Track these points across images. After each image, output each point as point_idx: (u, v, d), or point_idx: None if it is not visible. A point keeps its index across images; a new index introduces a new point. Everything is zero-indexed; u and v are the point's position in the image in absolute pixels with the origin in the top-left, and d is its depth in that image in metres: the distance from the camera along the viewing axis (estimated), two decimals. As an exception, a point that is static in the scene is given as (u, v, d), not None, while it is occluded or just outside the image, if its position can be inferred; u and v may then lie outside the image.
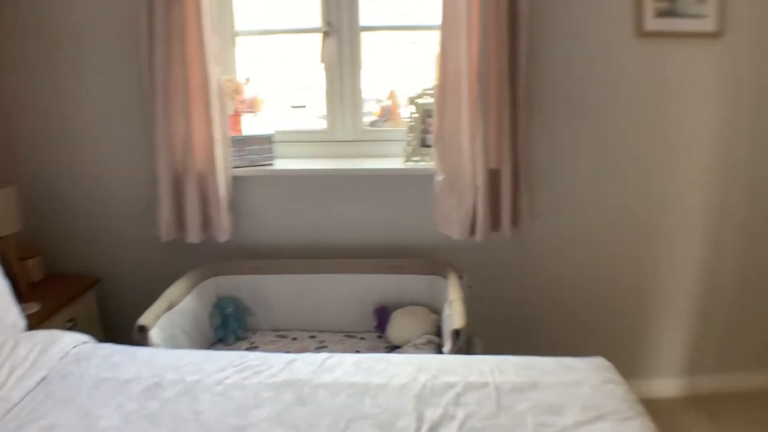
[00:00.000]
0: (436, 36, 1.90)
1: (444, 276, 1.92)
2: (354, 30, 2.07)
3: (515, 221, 1.98)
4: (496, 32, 1.83)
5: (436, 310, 1.93)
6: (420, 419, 1.14)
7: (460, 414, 1.16)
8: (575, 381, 1.27)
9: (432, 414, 1.15)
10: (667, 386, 2.28)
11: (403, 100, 2.24)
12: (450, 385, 1.25)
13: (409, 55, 2.39)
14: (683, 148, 2.09)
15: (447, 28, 1.86)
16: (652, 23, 1.98)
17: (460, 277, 1.84)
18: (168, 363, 1.39)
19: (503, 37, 1.83)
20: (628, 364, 1.58)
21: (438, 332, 1.86)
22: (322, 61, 2.06)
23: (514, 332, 2.09)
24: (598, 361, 1.38)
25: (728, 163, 2.10)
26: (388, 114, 2.31)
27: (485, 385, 1.25)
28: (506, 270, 2.13)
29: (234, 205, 2.01)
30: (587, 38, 1.98)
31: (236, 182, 2.02)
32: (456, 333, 1.50)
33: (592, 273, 2.16)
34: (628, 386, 1.28)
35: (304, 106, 2.43)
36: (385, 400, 1.21)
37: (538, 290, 2.16)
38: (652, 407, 1.26)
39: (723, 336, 2.25)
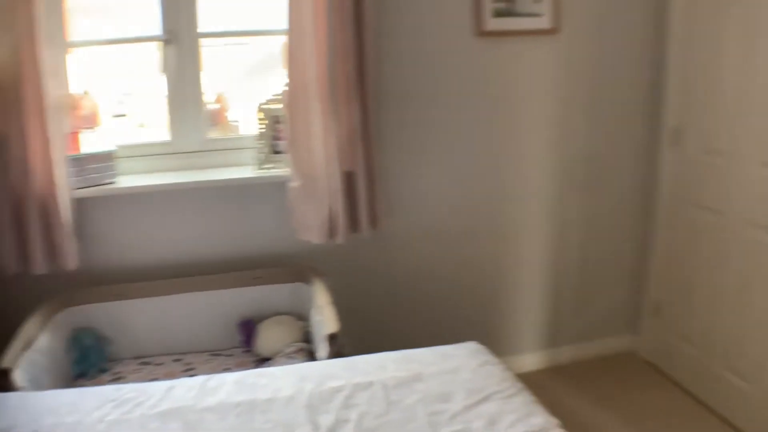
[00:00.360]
0: (281, 41, 2.48)
1: (307, 282, 2.41)
2: (193, 37, 2.48)
3: (373, 221, 2.61)
4: (342, 37, 2.37)
5: (302, 317, 2.40)
6: (315, 428, 1.54)
7: (353, 416, 1.59)
8: (455, 368, 1.80)
9: (326, 421, 1.56)
10: (532, 360, 3.14)
11: (234, 104, 2.79)
12: (337, 390, 1.69)
13: (250, 61, 2.96)
14: (525, 141, 2.86)
15: (294, 34, 2.33)
16: (491, 23, 2.68)
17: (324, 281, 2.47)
18: (42, 406, 1.63)
19: (350, 42, 2.38)
20: (496, 344, 2.20)
21: (307, 339, 2.35)
22: (163, 70, 2.56)
23: (386, 328, 2.66)
24: (472, 346, 1.92)
25: (567, 152, 2.90)
26: (215, 118, 2.84)
27: (371, 384, 1.71)
28: (370, 269, 2.76)
29: (80, 229, 2.28)
30: (430, 39, 2.58)
31: (80, 204, 2.29)
32: (332, 337, 2.00)
33: (451, 264, 2.90)
34: (504, 365, 1.83)
35: (124, 115, 2.87)
36: (276, 415, 1.59)
37: (403, 285, 2.81)
38: (524, 381, 1.79)
39: (573, 310, 3.18)
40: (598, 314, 3.19)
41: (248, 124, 2.62)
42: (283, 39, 2.32)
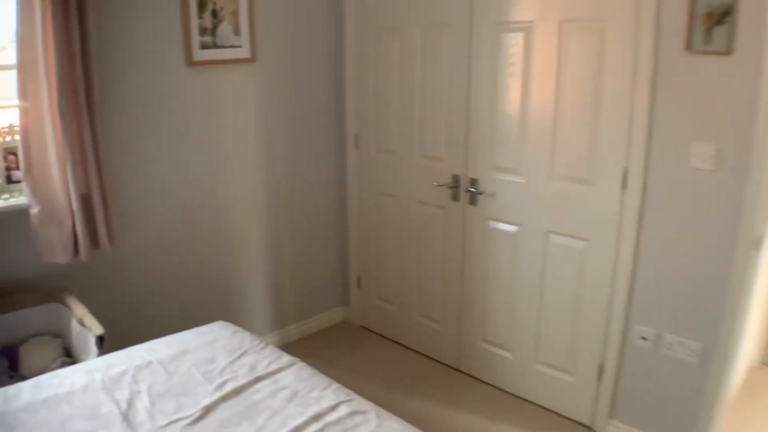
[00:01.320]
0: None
1: (59, 301, 2.75)
2: None
3: (111, 236, 3.06)
4: (70, 71, 2.82)
5: (59, 335, 2.74)
6: (116, 403, 2.00)
7: (143, 387, 2.08)
8: (213, 339, 2.40)
9: (122, 396, 2.03)
10: (268, 341, 3.90)
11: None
12: (122, 373, 2.16)
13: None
14: (237, 155, 3.49)
15: (24, 71, 2.75)
16: (198, 54, 3.32)
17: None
18: None
19: (78, 75, 2.84)
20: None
21: (68, 353, 2.69)
22: None
23: (143, 328, 2.99)
24: (221, 323, 2.55)
25: (272, 159, 3.60)
26: None
27: (149, 363, 2.22)
28: (119, 278, 3.13)
29: None
30: (149, 69, 3.10)
31: None
32: (100, 338, 2.53)
33: (189, 263, 3.38)
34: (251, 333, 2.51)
35: None
36: (80, 401, 2.00)
37: (151, 287, 3.19)
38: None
39: (293, 293, 3.96)
40: (314, 294, 4.03)
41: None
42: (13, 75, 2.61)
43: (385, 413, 1.97)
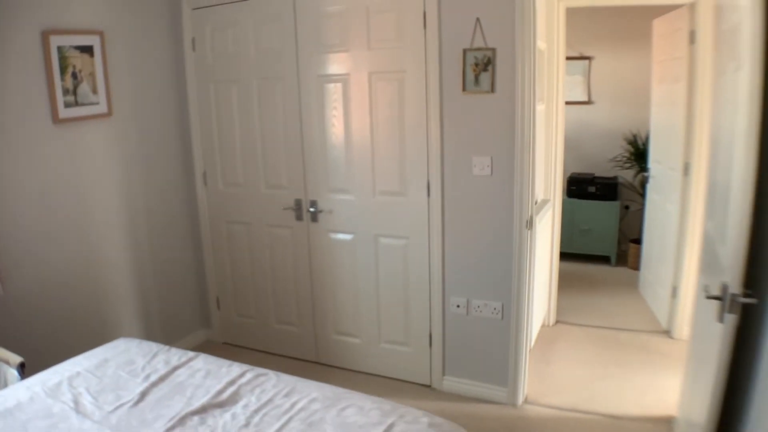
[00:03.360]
0: None
1: None
2: None
3: (2, 280, 3.67)
4: None
5: None
6: (64, 402, 2.56)
7: (82, 389, 2.67)
8: (124, 348, 3.01)
9: (66, 398, 2.60)
10: None
11: None
12: (58, 383, 2.70)
13: None
14: (103, 204, 4.16)
15: None
16: (63, 112, 3.93)
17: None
18: None
19: None
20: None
21: None
22: None
23: (43, 359, 3.58)
24: (124, 339, 3.18)
25: (134, 201, 4.21)
26: None
27: (78, 373, 2.79)
28: (10, 319, 3.71)
29: None
30: (17, 129, 3.60)
31: None
32: (22, 365, 3.13)
33: (68, 301, 3.88)
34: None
35: None
36: (31, 408, 2.50)
37: (42, 324, 3.71)
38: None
39: (160, 321, 4.49)
40: (178, 319, 4.69)
41: None
42: None
43: (281, 374, 2.79)
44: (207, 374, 2.80)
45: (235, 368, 2.83)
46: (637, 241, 6.16)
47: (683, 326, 4.57)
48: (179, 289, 4.69)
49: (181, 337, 4.68)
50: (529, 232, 3.55)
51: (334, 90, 3.87)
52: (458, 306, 3.79)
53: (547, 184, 4.69)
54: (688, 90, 4.30)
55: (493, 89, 3.43)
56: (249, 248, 4.51)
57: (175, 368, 2.88)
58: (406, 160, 3.75)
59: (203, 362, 2.92)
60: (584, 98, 6.67)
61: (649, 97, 5.36)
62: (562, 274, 5.01)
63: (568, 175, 6.45)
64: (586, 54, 6.61)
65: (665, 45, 4.84)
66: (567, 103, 6.43)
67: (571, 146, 6.27)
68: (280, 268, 4.41)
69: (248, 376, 2.76)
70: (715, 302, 2.33)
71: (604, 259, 6.61)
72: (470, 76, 3.48)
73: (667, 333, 4.71)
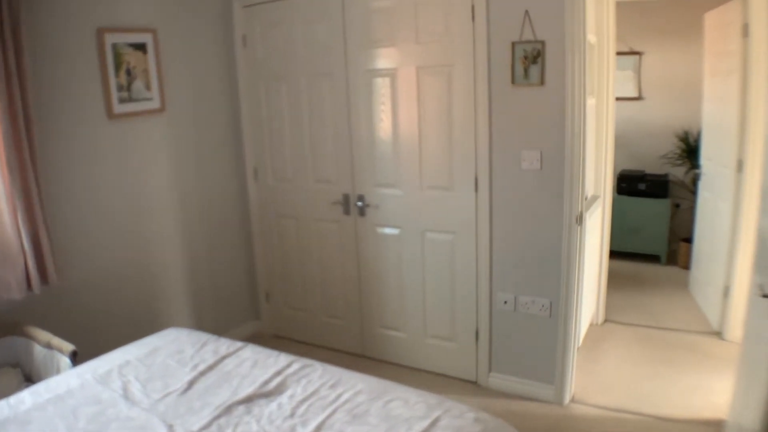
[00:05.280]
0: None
1: (14, 333, 3.19)
2: None
3: (58, 272, 3.70)
4: (15, 130, 3.43)
5: (17, 365, 3.19)
6: (113, 390, 2.60)
7: (131, 377, 2.71)
8: (174, 338, 3.02)
9: (116, 385, 2.63)
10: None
11: None
12: (109, 371, 2.74)
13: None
14: (156, 197, 4.20)
15: None
16: (118, 107, 3.97)
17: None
18: None
19: (22, 133, 3.44)
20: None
21: (28, 380, 3.13)
22: None
23: (96, 347, 3.50)
24: (174, 328, 3.20)
25: (186, 195, 4.32)
26: None
27: (128, 362, 2.82)
28: (65, 309, 3.68)
29: None
30: (76, 125, 3.73)
31: None
32: (74, 354, 3.17)
33: (122, 292, 4.00)
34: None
35: None
36: (81, 394, 2.55)
37: (94, 315, 3.77)
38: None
39: (211, 310, 4.55)
40: (229, 312, 4.71)
41: None
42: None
43: (327, 365, 2.75)
44: (254, 364, 2.78)
45: (282, 359, 2.80)
46: (688, 239, 5.94)
47: (735, 328, 4.35)
48: (230, 281, 4.70)
49: (231, 328, 4.68)
50: (578, 227, 3.43)
51: (382, 84, 3.82)
52: (505, 302, 3.70)
53: (597, 180, 4.55)
54: (741, 85, 4.12)
55: (542, 82, 3.33)
56: (298, 242, 4.49)
57: (223, 357, 2.87)
58: (454, 154, 3.68)
59: (251, 352, 2.90)
60: (635, 94, 6.49)
61: (700, 93, 5.15)
62: (611, 272, 4.86)
63: (618, 171, 6.24)
64: (636, 49, 6.43)
65: (717, 39, 4.66)
66: (617, 99, 6.27)
67: (620, 143, 6.09)
68: (327, 261, 4.38)
69: (295, 366, 2.73)
70: (774, 301, 2.16)
71: (653, 258, 6.41)
72: (519, 69, 3.39)
73: (718, 334, 4.52)
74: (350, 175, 4.06)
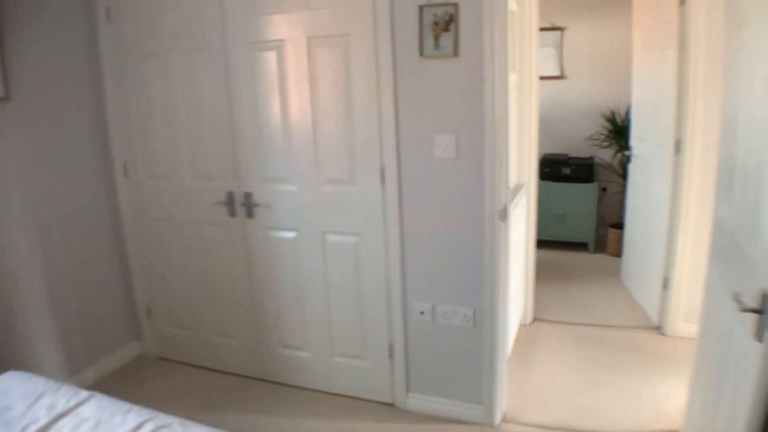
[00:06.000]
0: None
1: None
2: None
3: None
4: None
5: None
6: None
7: None
8: (5, 389, 2.33)
9: None
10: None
11: None
12: None
13: None
14: (3, 203, 3.41)
15: None
16: None
17: None
18: None
19: None
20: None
21: None
22: None
23: None
24: (12, 373, 2.49)
25: (40, 203, 3.38)
26: None
27: None
28: None
29: None
30: None
31: None
32: None
33: None
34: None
35: None
36: None
37: None
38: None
39: (82, 334, 3.70)
40: (103, 332, 3.97)
41: None
42: None
43: (189, 423, 2.10)
44: (96, 425, 2.14)
45: (132, 418, 2.15)
46: (617, 225, 5.55)
47: (676, 322, 4.05)
48: (103, 297, 3.95)
49: (108, 353, 3.98)
50: (502, 224, 2.85)
51: (268, 60, 3.21)
52: (422, 313, 3.14)
53: (520, 167, 4.01)
54: (679, 58, 3.72)
55: (456, 53, 2.76)
56: (179, 250, 3.81)
57: (59, 417, 2.22)
58: (355, 141, 3.09)
59: (95, 407, 2.25)
60: (557, 73, 6.03)
61: (628, 69, 4.74)
62: (537, 264, 4.44)
63: (541, 156, 5.77)
64: (558, 24, 5.93)
65: (648, 9, 4.24)
66: (539, 78, 5.86)
67: (543, 125, 5.68)
68: (213, 272, 3.72)
69: (147, 428, 2.04)
70: (751, 315, 1.78)
71: (581, 246, 6.04)
72: (429, 38, 2.79)
73: (658, 329, 4.15)
74: (234, 169, 3.42)
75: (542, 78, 5.65)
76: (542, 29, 5.58)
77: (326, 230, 3.28)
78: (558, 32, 5.97)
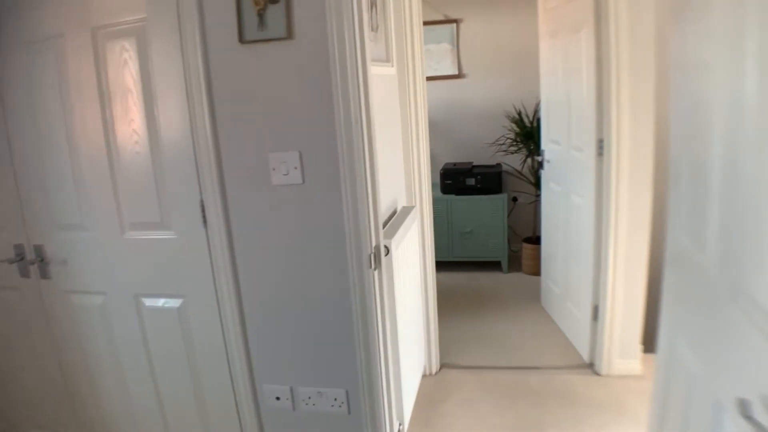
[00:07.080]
0: None
1: None
2: None
3: None
4: None
5: None
6: None
7: None
8: None
9: None
10: None
11: None
12: None
13: None
14: None
15: None
16: None
17: None
18: None
19: None
20: None
21: None
22: None
23: None
24: None
25: None
26: None
27: None
28: None
29: None
30: None
31: None
32: None
33: None
34: None
35: None
36: None
37: None
38: None
39: None
40: None
41: None
42: None
43: None
44: None
45: None
46: (532, 240, 4.83)
47: (612, 358, 3.34)
48: None
49: None
50: (375, 273, 1.95)
51: (42, 63, 2.25)
52: (278, 398, 2.27)
53: (409, 185, 3.12)
54: (596, 41, 3.02)
55: (290, 33, 1.92)
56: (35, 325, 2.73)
57: None
58: (163, 168, 2.21)
59: None
60: (453, 71, 5.22)
61: (535, 63, 3.97)
62: (442, 291, 3.66)
63: (441, 167, 4.94)
64: (452, 16, 5.13)
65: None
66: (433, 78, 5.08)
67: (439, 131, 4.92)
68: (13, 349, 2.73)
69: None
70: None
71: (494, 265, 5.27)
72: (250, 14, 1.93)
73: (591, 367, 3.43)
74: (19, 215, 2.44)
75: (437, 78, 4.95)
76: (434, 22, 4.87)
77: (139, 292, 2.39)
78: (452, 25, 5.19)
